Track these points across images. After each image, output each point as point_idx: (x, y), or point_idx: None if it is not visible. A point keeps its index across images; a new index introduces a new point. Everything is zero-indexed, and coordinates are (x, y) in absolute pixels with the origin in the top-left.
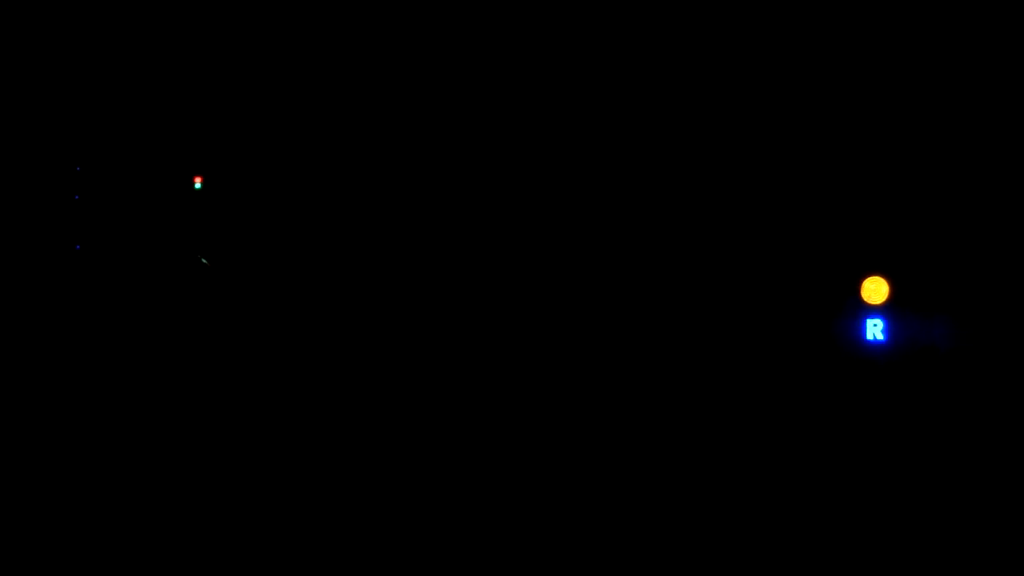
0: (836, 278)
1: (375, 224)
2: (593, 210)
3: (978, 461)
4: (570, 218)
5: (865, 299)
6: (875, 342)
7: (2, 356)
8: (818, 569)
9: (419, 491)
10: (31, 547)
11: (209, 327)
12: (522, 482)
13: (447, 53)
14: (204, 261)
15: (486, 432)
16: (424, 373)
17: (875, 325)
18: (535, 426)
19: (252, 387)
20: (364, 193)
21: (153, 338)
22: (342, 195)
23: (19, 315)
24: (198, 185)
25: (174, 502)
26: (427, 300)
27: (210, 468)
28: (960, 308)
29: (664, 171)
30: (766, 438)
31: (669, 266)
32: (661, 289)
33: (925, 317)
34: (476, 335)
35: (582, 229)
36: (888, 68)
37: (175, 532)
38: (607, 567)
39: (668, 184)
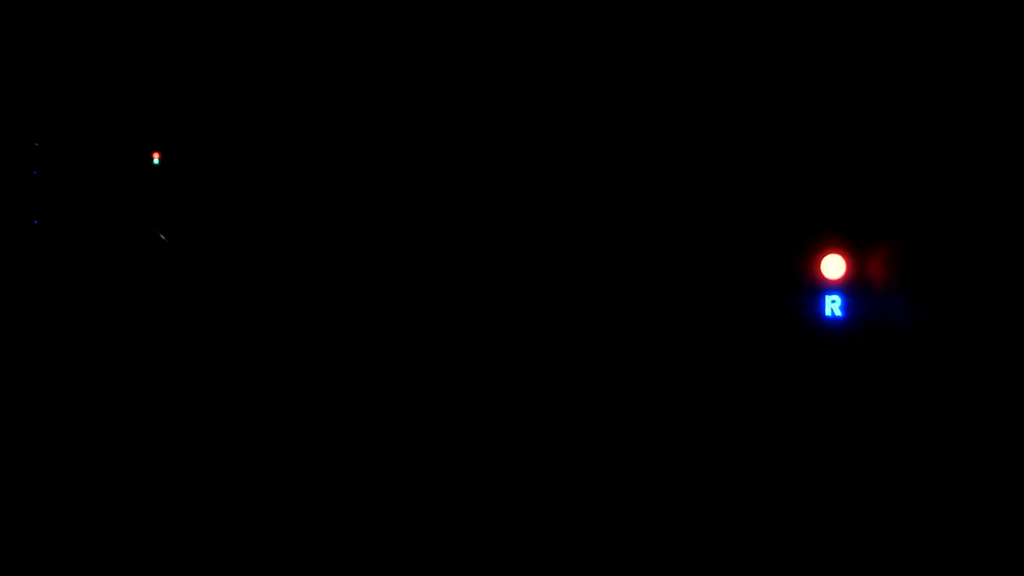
0: (793, 254)
1: (346, 193)
2: (546, 182)
3: (937, 438)
4: (518, 181)
5: (823, 276)
6: (833, 318)
7: None
8: (779, 549)
9: (416, 489)
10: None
11: (171, 304)
12: (506, 453)
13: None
14: (163, 237)
15: (470, 416)
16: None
17: (833, 302)
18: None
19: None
20: (336, 164)
21: (114, 316)
22: (310, 169)
23: None
24: (156, 160)
25: (144, 491)
26: (410, 277)
27: (186, 458)
28: (919, 286)
29: (618, 141)
30: (720, 415)
31: (623, 237)
32: (615, 259)
33: (884, 294)
34: (448, 309)
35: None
36: (848, 41)
37: (165, 528)
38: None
39: (622, 154)
